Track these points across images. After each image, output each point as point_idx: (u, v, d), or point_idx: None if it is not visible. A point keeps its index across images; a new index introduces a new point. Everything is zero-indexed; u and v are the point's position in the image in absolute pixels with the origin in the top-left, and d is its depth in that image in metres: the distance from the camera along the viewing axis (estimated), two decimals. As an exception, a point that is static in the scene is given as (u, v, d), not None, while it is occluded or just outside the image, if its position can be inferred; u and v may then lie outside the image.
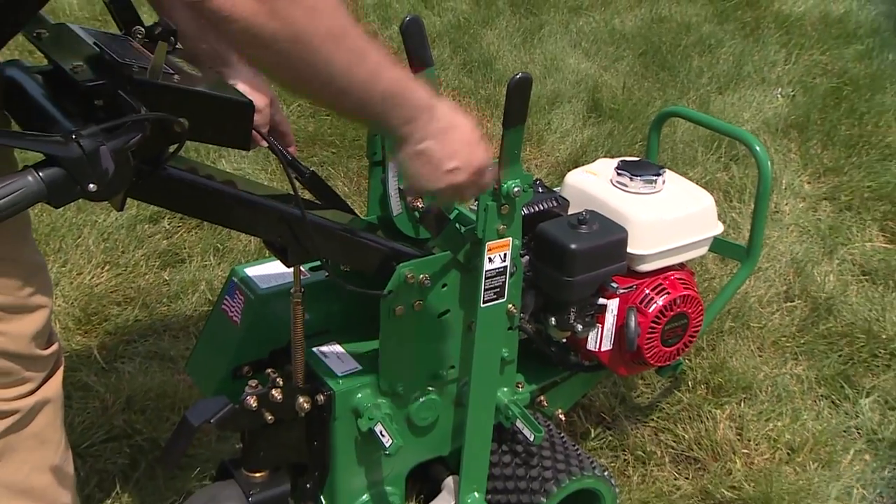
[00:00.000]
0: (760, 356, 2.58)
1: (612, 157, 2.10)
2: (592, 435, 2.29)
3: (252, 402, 1.68)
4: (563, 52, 4.37)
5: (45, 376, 1.48)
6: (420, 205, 1.71)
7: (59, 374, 1.51)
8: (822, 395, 2.47)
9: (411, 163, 1.44)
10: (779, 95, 4.08)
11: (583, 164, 2.14)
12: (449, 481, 1.93)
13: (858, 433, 2.36)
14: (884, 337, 2.65)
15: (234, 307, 1.86)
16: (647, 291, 1.94)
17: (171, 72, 1.33)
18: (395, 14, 4.66)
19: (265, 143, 1.57)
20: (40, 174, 1.15)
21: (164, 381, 2.33)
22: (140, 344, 2.50)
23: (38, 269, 1.46)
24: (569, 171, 2.11)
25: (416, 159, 1.44)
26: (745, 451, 2.28)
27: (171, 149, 1.34)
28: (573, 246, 1.80)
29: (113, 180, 1.20)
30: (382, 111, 1.36)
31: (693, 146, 3.56)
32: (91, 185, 1.18)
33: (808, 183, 3.46)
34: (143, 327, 2.56)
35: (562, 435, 2.02)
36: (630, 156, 2.12)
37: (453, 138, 1.45)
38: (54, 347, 1.50)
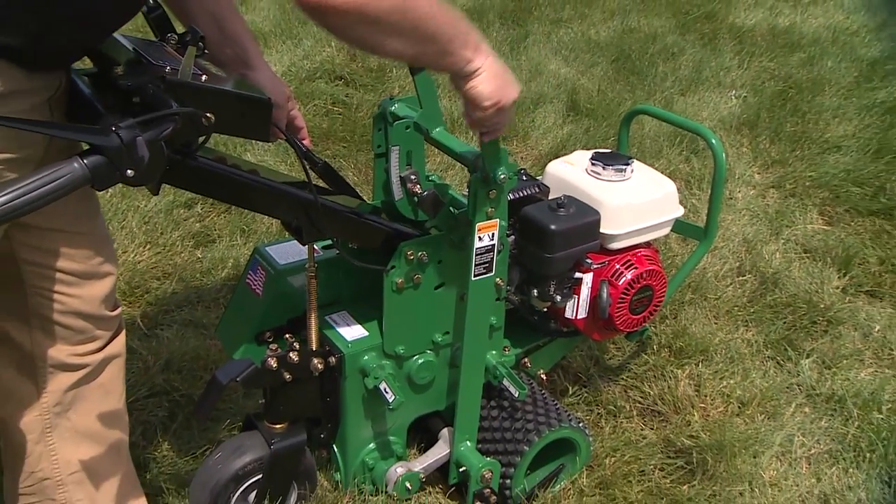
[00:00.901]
0: (716, 323, 2.57)
1: (588, 149, 2.08)
2: (570, 392, 2.29)
3: (273, 363, 1.67)
4: (546, 59, 4.34)
5: (110, 336, 1.51)
6: (419, 191, 1.69)
7: (123, 335, 1.54)
8: (768, 357, 2.47)
9: (485, 84, 1.42)
10: (733, 97, 4.05)
11: (562, 156, 2.12)
12: (445, 432, 1.92)
13: (799, 389, 2.36)
14: (822, 306, 2.64)
15: (257, 281, 1.85)
16: (618, 266, 1.93)
17: (200, 73, 1.32)
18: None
19: (283, 137, 1.56)
20: (85, 161, 1.15)
21: (198, 345, 2.32)
22: (177, 313, 2.49)
23: (106, 242, 1.48)
24: (549, 161, 2.10)
25: (487, 79, 1.42)
26: (702, 405, 2.28)
27: (200, 140, 1.33)
28: (553, 227, 1.79)
29: (148, 167, 1.19)
30: (460, 45, 1.36)
31: (658, 141, 3.54)
32: (129, 171, 1.18)
33: (758, 173, 3.44)
34: (180, 299, 2.55)
35: (543, 392, 2.02)
36: (603, 148, 2.11)
37: (497, 60, 1.45)
38: (118, 311, 1.52)
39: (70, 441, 1.50)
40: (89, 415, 1.51)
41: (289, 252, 1.86)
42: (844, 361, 2.44)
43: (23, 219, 1.16)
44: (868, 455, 2.13)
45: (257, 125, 1.37)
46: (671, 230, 2.05)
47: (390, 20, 1.22)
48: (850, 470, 2.10)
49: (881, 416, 2.24)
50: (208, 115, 1.27)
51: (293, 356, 1.69)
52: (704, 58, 4.41)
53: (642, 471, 2.06)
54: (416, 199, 1.71)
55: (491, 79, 1.42)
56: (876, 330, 2.57)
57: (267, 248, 1.88)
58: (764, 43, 4.63)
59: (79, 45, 1.29)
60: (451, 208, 1.73)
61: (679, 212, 2.02)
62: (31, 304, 1.40)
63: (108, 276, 1.47)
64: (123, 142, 1.15)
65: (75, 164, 1.14)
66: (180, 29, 1.45)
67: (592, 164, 1.98)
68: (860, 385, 2.34)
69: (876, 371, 2.42)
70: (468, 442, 1.88)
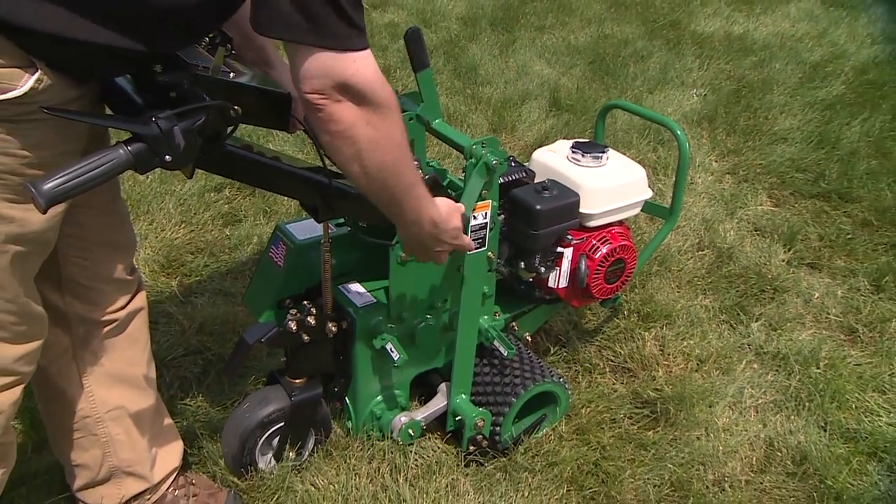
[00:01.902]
0: (678, 292, 2.57)
1: (568, 139, 2.06)
2: (552, 351, 2.29)
3: (293, 326, 1.67)
4: (531, 61, 4.30)
5: (131, 295, 1.52)
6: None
7: (143, 293, 1.57)
8: (723, 321, 2.47)
9: (426, 240, 1.45)
10: (694, 95, 4.02)
11: (546, 145, 2.11)
12: (443, 387, 1.93)
13: (749, 348, 2.36)
14: (769, 277, 2.64)
15: (278, 254, 1.84)
16: (594, 242, 1.92)
17: (228, 70, 1.30)
18: (401, 32, 4.57)
19: (302, 127, 1.54)
20: (129, 148, 1.14)
21: (227, 310, 2.32)
22: (208, 283, 2.48)
23: (126, 218, 1.51)
24: (535, 150, 2.08)
25: (428, 237, 1.45)
26: (666, 362, 2.28)
27: (229, 129, 1.31)
28: (538, 207, 1.78)
29: (184, 153, 1.18)
30: (414, 200, 1.36)
31: (629, 133, 3.52)
32: (167, 157, 1.17)
33: (716, 161, 3.42)
34: (211, 270, 2.53)
35: (528, 351, 2.02)
36: (582, 138, 2.09)
37: (443, 219, 1.46)
38: (136, 274, 1.55)
39: (104, 385, 1.53)
40: (118, 361, 1.54)
41: (306, 229, 1.85)
42: (788, 324, 2.45)
43: None
44: (807, 404, 2.14)
45: (278, 117, 1.35)
46: (641, 210, 2.04)
47: (364, 146, 1.21)
48: (792, 417, 2.11)
49: (818, 371, 2.25)
50: (236, 107, 1.25)
51: (311, 320, 1.68)
52: (669, 61, 4.38)
53: (613, 419, 2.06)
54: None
55: (415, 242, 1.47)
56: (815, 297, 2.58)
57: (287, 226, 1.87)
58: (721, 48, 4.60)
59: (134, 67, 1.27)
60: (449, 190, 1.71)
61: (648, 194, 2.01)
62: (63, 271, 1.42)
63: (129, 247, 1.50)
64: (162, 131, 1.14)
65: (120, 151, 1.13)
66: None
67: (573, 152, 1.96)
68: (801, 344, 2.35)
69: (815, 332, 2.43)
70: (463, 395, 1.88)
